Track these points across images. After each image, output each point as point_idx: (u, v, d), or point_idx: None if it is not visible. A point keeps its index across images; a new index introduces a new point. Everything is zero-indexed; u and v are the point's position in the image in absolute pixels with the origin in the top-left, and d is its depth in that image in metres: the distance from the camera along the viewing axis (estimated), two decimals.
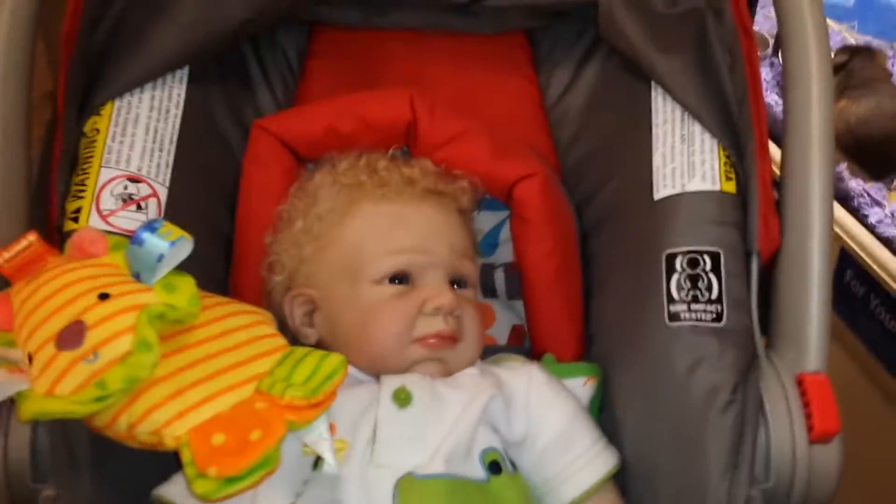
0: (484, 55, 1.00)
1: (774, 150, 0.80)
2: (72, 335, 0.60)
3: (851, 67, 1.77)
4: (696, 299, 0.73)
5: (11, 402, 0.60)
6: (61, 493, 0.66)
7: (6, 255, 0.64)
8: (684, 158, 0.78)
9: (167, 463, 0.60)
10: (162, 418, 0.59)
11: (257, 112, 0.94)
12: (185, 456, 0.57)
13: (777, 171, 0.78)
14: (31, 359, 0.60)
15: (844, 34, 2.10)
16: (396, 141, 0.86)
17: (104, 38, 0.79)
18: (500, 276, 0.91)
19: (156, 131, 0.80)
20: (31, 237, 0.66)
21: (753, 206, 0.75)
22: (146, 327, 0.59)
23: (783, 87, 0.74)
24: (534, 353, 0.84)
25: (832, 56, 1.84)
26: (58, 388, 0.58)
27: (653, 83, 0.83)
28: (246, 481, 0.57)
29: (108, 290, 0.62)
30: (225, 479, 0.57)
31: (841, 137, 1.67)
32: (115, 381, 0.58)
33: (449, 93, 0.94)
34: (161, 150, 0.79)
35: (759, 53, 0.95)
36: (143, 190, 0.77)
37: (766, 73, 1.71)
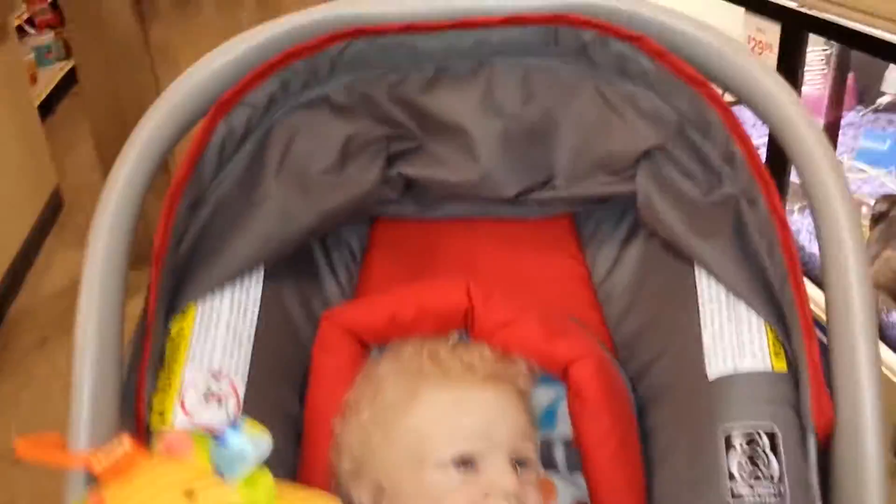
0: (532, 238, 1.06)
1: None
2: None
3: (894, 216, 1.79)
4: (757, 480, 0.74)
5: None
6: None
7: (103, 461, 0.70)
8: (733, 338, 0.82)
9: None
10: None
11: (324, 302, 1.01)
12: None
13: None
14: None
15: (882, 179, 2.13)
16: (455, 325, 0.92)
17: (188, 250, 0.88)
18: (560, 451, 0.93)
19: (235, 329, 0.87)
20: (126, 442, 0.71)
21: (805, 387, 0.77)
22: None
23: (822, 274, 0.77)
24: None
25: (872, 205, 1.88)
26: None
27: (695, 262, 0.87)
28: None
29: (195, 492, 0.67)
30: None
31: (890, 286, 1.68)
32: None
33: (501, 276, 1.01)
34: (240, 347, 0.86)
35: None
36: (224, 387, 0.83)
37: None
